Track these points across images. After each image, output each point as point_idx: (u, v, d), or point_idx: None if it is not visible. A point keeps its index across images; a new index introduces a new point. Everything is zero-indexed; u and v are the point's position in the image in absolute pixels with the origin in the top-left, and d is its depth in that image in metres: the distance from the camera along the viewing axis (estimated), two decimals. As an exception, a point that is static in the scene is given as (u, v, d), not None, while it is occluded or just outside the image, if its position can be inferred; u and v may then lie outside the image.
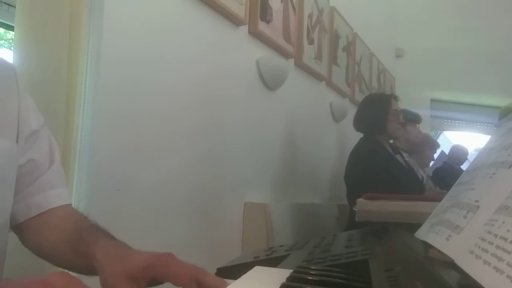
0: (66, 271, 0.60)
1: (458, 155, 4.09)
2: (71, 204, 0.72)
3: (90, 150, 1.09)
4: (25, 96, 0.69)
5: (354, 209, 0.99)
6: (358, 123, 2.21)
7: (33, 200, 0.66)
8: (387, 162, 2.00)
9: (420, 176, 2.62)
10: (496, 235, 0.35)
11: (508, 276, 0.30)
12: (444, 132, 5.51)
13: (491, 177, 0.46)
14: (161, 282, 0.51)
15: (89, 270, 0.56)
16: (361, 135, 2.20)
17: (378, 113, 2.11)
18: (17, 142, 0.65)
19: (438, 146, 3.31)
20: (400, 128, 2.18)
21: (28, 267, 0.82)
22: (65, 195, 0.71)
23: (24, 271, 0.85)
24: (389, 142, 2.25)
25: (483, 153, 0.57)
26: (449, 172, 3.69)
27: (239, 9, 1.62)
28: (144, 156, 1.23)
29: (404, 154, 2.53)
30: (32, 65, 1.00)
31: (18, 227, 0.66)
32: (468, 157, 4.13)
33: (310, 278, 0.47)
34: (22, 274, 0.85)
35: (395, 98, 2.26)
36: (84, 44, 1.11)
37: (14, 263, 0.73)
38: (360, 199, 0.99)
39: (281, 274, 0.50)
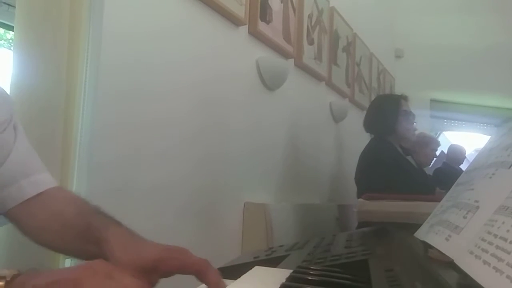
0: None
1: (456, 155, 4.09)
2: (62, 187, 0.71)
3: (90, 150, 1.09)
4: None
5: (354, 209, 0.99)
6: (369, 125, 2.21)
7: (23, 185, 0.64)
8: (399, 164, 1.99)
9: None
10: (496, 235, 0.35)
11: (508, 276, 0.30)
12: (444, 132, 5.52)
13: (490, 177, 0.46)
14: (173, 274, 0.51)
15: (97, 256, 0.55)
16: (368, 136, 2.20)
17: (388, 115, 2.11)
18: None
19: (436, 143, 3.28)
20: (410, 129, 2.18)
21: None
22: (50, 178, 0.69)
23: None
24: (400, 143, 2.25)
25: (483, 153, 0.57)
26: (448, 173, 3.69)
27: (239, 10, 1.62)
28: (144, 157, 1.23)
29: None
30: (32, 65, 1.00)
31: (12, 215, 0.64)
32: (466, 156, 4.14)
33: (310, 278, 0.47)
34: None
35: (405, 98, 2.25)
36: (84, 43, 1.11)
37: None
38: (360, 199, 0.99)
39: (281, 274, 0.50)
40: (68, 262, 1.03)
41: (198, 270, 0.48)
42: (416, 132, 2.93)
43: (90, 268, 0.37)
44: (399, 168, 1.93)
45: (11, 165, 0.65)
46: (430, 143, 3.19)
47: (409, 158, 2.21)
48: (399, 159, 2.05)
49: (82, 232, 0.61)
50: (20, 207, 0.65)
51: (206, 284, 0.48)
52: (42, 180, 0.68)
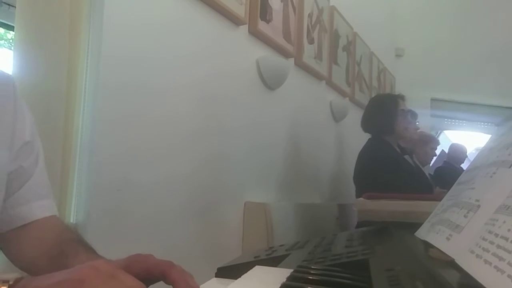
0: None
1: (457, 154, 4.10)
2: (56, 215, 0.71)
3: (90, 150, 1.09)
4: (22, 105, 0.70)
5: (354, 208, 0.99)
6: (366, 124, 2.21)
7: (18, 211, 0.66)
8: (397, 163, 2.00)
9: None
10: (497, 235, 0.35)
11: (509, 276, 0.30)
12: (445, 131, 5.51)
13: (491, 177, 0.46)
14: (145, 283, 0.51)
15: None
16: (367, 135, 2.21)
17: (386, 114, 2.12)
18: (9, 151, 0.65)
19: (436, 142, 3.26)
20: (408, 128, 2.18)
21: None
22: (49, 206, 0.70)
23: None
24: (398, 143, 2.25)
25: (484, 152, 0.57)
26: (449, 172, 3.69)
27: (239, 9, 1.62)
28: (144, 156, 1.23)
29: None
30: (32, 65, 1.00)
31: (0, 237, 0.66)
32: (467, 155, 4.14)
33: (310, 277, 0.47)
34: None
35: (402, 98, 2.26)
36: (84, 43, 1.11)
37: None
38: (360, 198, 0.99)
39: (282, 273, 0.50)
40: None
41: (162, 271, 0.48)
42: (418, 131, 2.93)
43: (94, 268, 0.37)
44: (396, 168, 1.94)
45: (27, 189, 0.67)
46: (430, 141, 3.19)
47: (406, 157, 2.22)
48: (396, 158, 2.06)
49: (53, 259, 0.61)
50: (15, 229, 0.66)
51: (171, 284, 0.47)
52: (47, 206, 0.69)
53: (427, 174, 2.92)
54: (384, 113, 2.13)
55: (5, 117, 0.66)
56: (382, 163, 1.92)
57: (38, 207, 0.68)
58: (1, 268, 0.74)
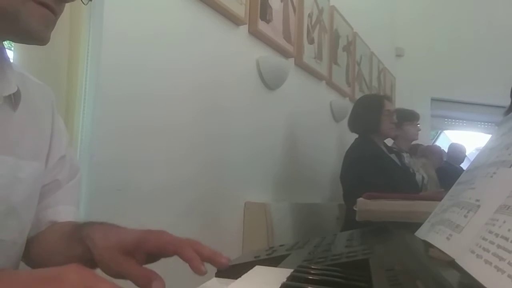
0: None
1: (456, 153, 4.11)
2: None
3: (90, 150, 1.09)
4: (59, 120, 0.71)
5: (355, 208, 0.99)
6: (353, 124, 2.26)
7: (45, 214, 0.67)
8: (381, 162, 2.02)
9: (420, 176, 2.61)
10: (497, 235, 0.35)
11: (509, 276, 0.30)
12: (445, 131, 5.51)
13: (491, 177, 0.46)
14: (157, 258, 0.51)
15: (86, 257, 0.56)
16: (357, 135, 2.22)
17: (371, 114, 2.15)
18: (46, 164, 0.66)
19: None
20: (393, 128, 2.22)
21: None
22: (73, 212, 0.71)
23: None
24: (384, 142, 2.27)
25: (484, 152, 0.57)
26: (449, 171, 3.70)
27: (239, 9, 1.62)
28: (144, 156, 1.23)
29: (405, 154, 2.52)
30: (32, 66, 1.00)
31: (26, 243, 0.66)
32: (466, 154, 4.15)
33: (310, 277, 0.47)
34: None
35: (388, 98, 2.32)
36: (84, 44, 1.11)
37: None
38: (361, 198, 0.99)
39: (282, 273, 0.50)
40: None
41: (175, 250, 0.48)
42: (419, 132, 2.92)
43: (58, 279, 0.35)
44: (382, 167, 1.96)
45: (58, 195, 0.69)
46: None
47: (393, 156, 2.24)
48: (382, 157, 2.08)
49: (69, 237, 0.62)
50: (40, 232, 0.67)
51: (186, 261, 0.48)
52: (72, 212, 0.70)
53: (426, 176, 2.91)
54: (368, 113, 2.16)
55: (45, 130, 0.67)
56: (367, 163, 1.95)
57: (64, 210, 0.69)
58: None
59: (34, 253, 0.67)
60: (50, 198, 0.68)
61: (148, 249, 0.50)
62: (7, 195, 0.58)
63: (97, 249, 0.53)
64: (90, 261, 0.55)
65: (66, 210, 0.69)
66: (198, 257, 0.48)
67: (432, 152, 3.71)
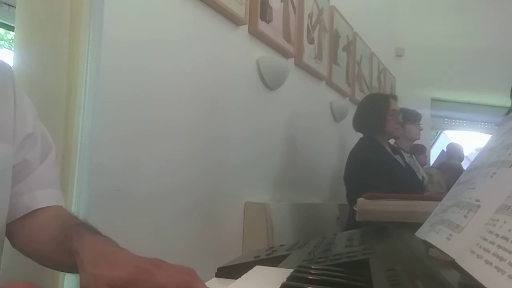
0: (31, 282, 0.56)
1: (453, 153, 4.11)
2: (61, 206, 0.70)
3: (90, 151, 1.09)
4: (21, 96, 0.68)
5: (355, 208, 0.99)
6: (357, 124, 2.23)
7: (20, 200, 0.65)
8: (386, 163, 2.01)
9: (420, 177, 2.61)
10: (497, 235, 0.35)
11: (509, 276, 0.30)
12: (445, 131, 5.51)
13: (492, 177, 0.46)
14: None
15: (75, 268, 0.53)
16: (361, 135, 2.21)
17: (376, 114, 2.13)
18: (12, 144, 0.64)
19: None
20: (399, 128, 2.20)
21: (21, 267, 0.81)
22: (54, 195, 0.69)
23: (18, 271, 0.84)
24: (389, 142, 2.26)
25: (484, 152, 0.57)
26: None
27: (239, 9, 1.62)
28: (144, 155, 1.23)
29: (405, 154, 2.52)
30: (32, 65, 1.00)
31: (7, 228, 0.65)
32: (464, 154, 4.16)
33: (310, 277, 0.47)
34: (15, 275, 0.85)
35: (394, 98, 2.28)
36: (84, 45, 1.11)
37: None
38: (361, 198, 0.99)
39: (282, 273, 0.50)
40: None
41: None
42: (421, 132, 2.92)
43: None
44: (385, 168, 1.95)
45: (31, 179, 0.67)
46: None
47: (397, 157, 2.23)
48: (386, 159, 2.07)
49: (59, 244, 0.60)
50: (20, 218, 0.65)
51: None
52: (51, 195, 0.69)
53: (426, 177, 2.90)
54: (374, 112, 2.14)
55: (6, 109, 0.64)
56: (370, 164, 1.93)
57: (41, 195, 0.67)
58: (11, 257, 0.74)
59: (19, 241, 0.66)
60: (23, 182, 0.66)
61: None
62: None
63: (84, 272, 0.49)
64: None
65: (44, 195, 0.67)
66: None
67: (453, 168, 3.66)
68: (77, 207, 1.08)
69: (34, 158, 0.68)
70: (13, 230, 0.66)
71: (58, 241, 0.61)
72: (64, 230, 0.61)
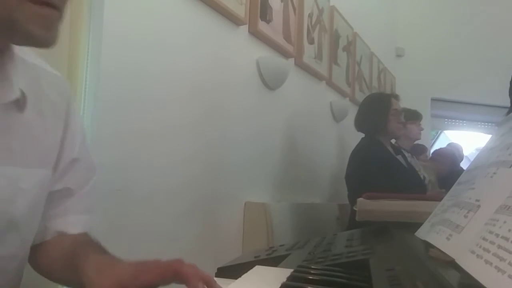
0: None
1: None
2: (86, 233, 0.69)
3: (90, 151, 1.08)
4: (75, 118, 0.66)
5: (355, 208, 0.99)
6: (359, 124, 2.22)
7: (53, 223, 0.64)
8: (388, 163, 2.00)
9: (421, 177, 2.61)
10: (497, 235, 0.35)
11: (510, 276, 0.30)
12: (445, 131, 5.51)
13: (491, 177, 0.46)
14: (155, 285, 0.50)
15: (83, 285, 0.54)
16: (362, 135, 2.21)
17: (378, 113, 2.12)
18: (55, 169, 0.63)
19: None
20: (401, 127, 2.19)
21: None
22: (83, 222, 0.68)
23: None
24: (391, 142, 2.25)
25: (484, 152, 0.57)
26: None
27: (239, 9, 1.62)
28: (144, 155, 1.23)
29: (406, 154, 2.52)
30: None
31: (31, 249, 0.64)
32: (463, 154, 4.16)
33: (310, 277, 0.47)
34: None
35: (396, 97, 2.27)
36: (84, 45, 1.11)
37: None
38: (361, 198, 0.99)
39: (282, 273, 0.50)
40: None
41: (174, 270, 0.46)
42: (422, 132, 2.92)
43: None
44: (387, 169, 1.94)
45: (68, 204, 0.66)
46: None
47: (399, 157, 2.22)
48: (389, 160, 2.06)
49: (68, 261, 0.60)
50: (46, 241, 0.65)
51: (185, 280, 0.46)
52: (82, 222, 0.67)
53: (428, 178, 2.90)
54: (376, 112, 2.13)
55: (54, 132, 0.62)
56: (372, 164, 1.92)
57: (73, 221, 0.66)
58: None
59: (41, 262, 0.65)
60: (60, 207, 0.65)
61: (149, 281, 0.48)
62: (7, 209, 0.55)
63: (93, 286, 0.51)
64: None
65: (75, 221, 0.66)
66: (197, 273, 0.46)
67: (442, 156, 3.64)
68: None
69: (76, 184, 0.66)
70: (37, 252, 0.65)
71: (66, 258, 0.60)
72: (73, 247, 0.61)
